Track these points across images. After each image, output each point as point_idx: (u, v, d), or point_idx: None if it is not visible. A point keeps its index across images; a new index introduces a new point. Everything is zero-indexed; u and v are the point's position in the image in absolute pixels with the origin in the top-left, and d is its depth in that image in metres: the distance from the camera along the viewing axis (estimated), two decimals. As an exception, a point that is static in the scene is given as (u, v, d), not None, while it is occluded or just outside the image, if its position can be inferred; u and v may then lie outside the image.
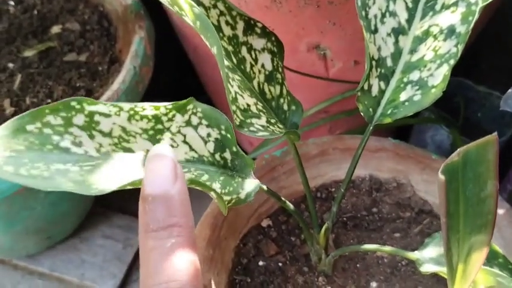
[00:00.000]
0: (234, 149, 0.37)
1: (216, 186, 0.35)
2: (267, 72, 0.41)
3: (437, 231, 0.52)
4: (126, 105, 0.33)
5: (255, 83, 0.41)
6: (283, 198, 0.42)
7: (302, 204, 0.54)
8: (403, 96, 0.38)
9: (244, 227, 0.51)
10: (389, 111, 0.39)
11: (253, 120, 0.39)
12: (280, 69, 0.41)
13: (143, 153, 0.34)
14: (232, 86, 0.38)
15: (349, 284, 0.48)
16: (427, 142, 0.65)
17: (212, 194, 0.32)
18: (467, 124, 0.65)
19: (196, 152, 0.36)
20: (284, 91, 0.42)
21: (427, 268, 0.37)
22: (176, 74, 0.87)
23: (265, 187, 0.40)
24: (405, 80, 0.39)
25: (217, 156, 0.36)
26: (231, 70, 0.39)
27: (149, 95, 0.59)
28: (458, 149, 0.27)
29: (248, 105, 0.39)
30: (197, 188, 0.31)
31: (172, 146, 0.35)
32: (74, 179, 0.29)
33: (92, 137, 0.32)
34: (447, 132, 0.63)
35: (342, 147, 0.53)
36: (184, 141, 0.35)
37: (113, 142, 0.32)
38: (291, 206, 0.43)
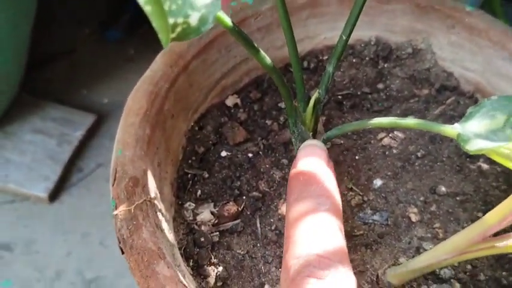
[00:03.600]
0: None
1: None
2: None
3: (465, 114, 0.38)
4: None
5: None
6: (255, 45, 0.27)
7: (285, 76, 0.39)
8: None
9: (201, 104, 0.37)
10: None
11: None
12: None
13: None
14: None
15: (344, 182, 0.35)
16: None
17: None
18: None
19: None
20: None
21: (479, 145, 0.23)
22: None
23: (227, 19, 0.25)
24: None
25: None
26: None
27: None
28: None
29: None
30: None
31: None
32: None
33: None
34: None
35: (341, -5, 0.38)
36: None
37: None
38: (268, 60, 0.28)
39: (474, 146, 0.23)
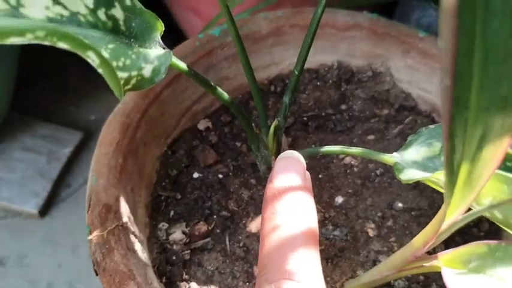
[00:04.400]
0: (128, 1, 0.24)
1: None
2: None
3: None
4: None
5: None
6: (212, 84, 0.29)
7: (251, 101, 0.42)
8: None
9: (173, 130, 0.39)
10: None
11: None
12: None
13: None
14: None
15: (307, 200, 0.37)
16: (411, 26, 0.53)
17: (91, 57, 0.20)
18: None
19: (65, 6, 0.23)
20: None
21: (409, 175, 0.26)
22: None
23: (182, 64, 0.27)
24: None
25: (100, 13, 0.24)
26: None
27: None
28: None
29: None
30: (63, 46, 0.19)
31: None
32: None
33: None
34: (436, 13, 0.50)
35: (303, 23, 0.40)
36: None
37: None
38: (225, 95, 0.30)
39: (405, 176, 0.26)
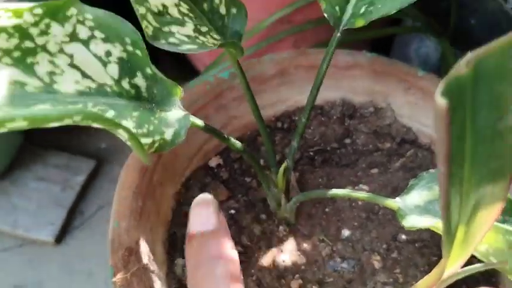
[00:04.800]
0: (149, 70, 0.26)
1: (129, 125, 0.25)
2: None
3: (423, 165, 0.43)
4: None
5: None
6: (225, 135, 0.32)
7: (259, 137, 0.44)
8: (381, -13, 0.27)
9: (186, 169, 0.41)
10: (362, 10, 0.28)
11: (174, 28, 0.28)
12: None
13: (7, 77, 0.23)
14: None
15: (316, 233, 0.39)
16: (410, 57, 0.55)
17: (121, 133, 0.22)
18: (457, 33, 0.55)
19: (92, 79, 0.25)
20: None
21: (411, 222, 0.28)
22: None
23: (199, 122, 0.29)
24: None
25: (124, 83, 0.26)
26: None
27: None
28: (467, 56, 0.17)
29: (164, 6, 0.28)
30: (97, 125, 0.21)
31: (53, 73, 0.24)
32: None
33: None
34: (434, 44, 0.52)
35: (307, 64, 0.43)
36: (72, 65, 0.24)
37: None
38: (238, 144, 0.33)
39: (408, 223, 0.28)
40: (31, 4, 0.23)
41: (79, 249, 0.62)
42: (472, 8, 0.58)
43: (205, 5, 0.30)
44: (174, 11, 0.28)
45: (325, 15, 0.29)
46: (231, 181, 0.42)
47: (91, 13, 0.24)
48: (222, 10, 0.30)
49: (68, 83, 0.24)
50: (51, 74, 0.23)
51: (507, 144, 0.18)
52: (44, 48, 0.23)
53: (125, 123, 0.25)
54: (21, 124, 0.19)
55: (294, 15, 0.49)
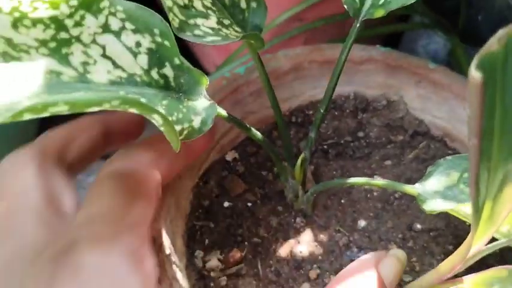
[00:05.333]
0: (177, 61, 0.27)
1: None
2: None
3: (436, 156, 0.43)
4: (6, 2, 0.23)
5: None
6: (247, 125, 0.32)
7: (274, 131, 0.45)
8: (400, -22, 0.28)
9: (204, 163, 0.42)
10: (381, 0, 0.29)
11: (199, 21, 0.28)
12: None
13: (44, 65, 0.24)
14: None
15: (332, 224, 0.40)
16: (419, 53, 0.56)
17: (156, 118, 0.23)
18: (465, 29, 0.55)
19: (123, 69, 0.26)
20: None
21: (433, 206, 0.28)
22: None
23: (224, 112, 0.30)
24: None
25: (154, 73, 0.26)
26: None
27: None
28: (498, 33, 0.17)
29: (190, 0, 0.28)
30: (133, 110, 0.22)
31: (87, 64, 0.25)
32: None
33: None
34: (443, 40, 0.53)
35: (321, 59, 0.43)
36: (104, 55, 0.25)
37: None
38: (259, 135, 0.34)
39: (429, 206, 0.28)
40: (67, -6, 0.23)
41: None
42: (479, 5, 0.59)
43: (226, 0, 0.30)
44: (198, 5, 0.28)
45: (345, 6, 0.30)
46: (248, 174, 0.43)
47: (122, 5, 0.25)
48: (243, 4, 0.31)
49: (101, 73, 0.25)
50: (85, 64, 0.24)
51: None
52: (78, 39, 0.24)
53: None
54: (62, 108, 0.20)
55: (305, 12, 0.49)
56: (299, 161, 0.36)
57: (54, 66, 0.23)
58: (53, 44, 0.24)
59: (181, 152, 0.25)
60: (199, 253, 0.39)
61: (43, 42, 0.23)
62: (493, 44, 0.17)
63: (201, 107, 0.27)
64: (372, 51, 0.43)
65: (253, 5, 0.31)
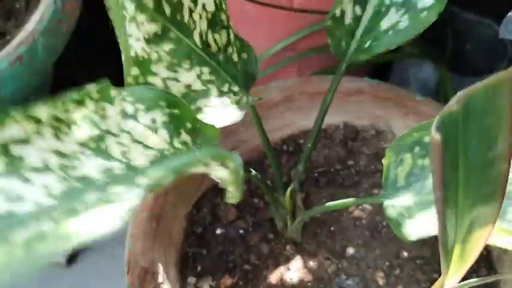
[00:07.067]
0: (189, 125, 0.28)
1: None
2: (209, 16, 0.32)
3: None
4: (41, 113, 0.23)
5: (196, 36, 0.31)
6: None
7: (266, 160, 0.46)
8: (384, 24, 0.30)
9: (197, 191, 0.43)
10: (366, 45, 0.30)
11: (201, 103, 0.30)
12: (223, 7, 0.32)
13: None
14: (156, 75, 0.29)
15: (321, 252, 0.41)
16: (409, 81, 0.57)
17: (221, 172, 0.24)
18: (453, 59, 0.57)
19: (152, 148, 0.26)
20: (231, 36, 0.33)
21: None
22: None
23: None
24: (387, 1, 0.30)
25: (176, 143, 0.28)
26: (158, 38, 0.29)
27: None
28: (457, 95, 0.19)
29: (188, 86, 0.30)
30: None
31: (125, 153, 0.25)
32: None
33: (26, 180, 0.20)
34: (432, 69, 0.54)
35: (311, 91, 0.45)
36: (134, 140, 0.26)
37: (59, 177, 0.21)
38: (253, 174, 0.35)
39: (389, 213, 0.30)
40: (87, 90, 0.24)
41: (90, 269, 0.64)
42: (468, 34, 0.60)
43: (221, 57, 0.32)
44: (197, 85, 0.30)
45: (332, 49, 0.31)
46: (240, 202, 0.44)
47: (126, 90, 0.26)
48: (235, 58, 0.32)
49: (138, 157, 0.25)
50: (124, 153, 0.25)
51: (496, 171, 0.20)
52: (108, 132, 0.24)
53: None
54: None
55: (298, 43, 0.51)
56: (288, 192, 0.38)
57: (103, 165, 0.23)
58: (92, 145, 0.24)
59: None
60: (191, 279, 0.40)
61: (84, 145, 0.23)
62: (453, 104, 0.18)
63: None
64: (361, 83, 0.45)
65: (244, 56, 0.33)
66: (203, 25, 0.31)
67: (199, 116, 0.29)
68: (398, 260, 0.41)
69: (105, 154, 0.23)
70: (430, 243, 0.41)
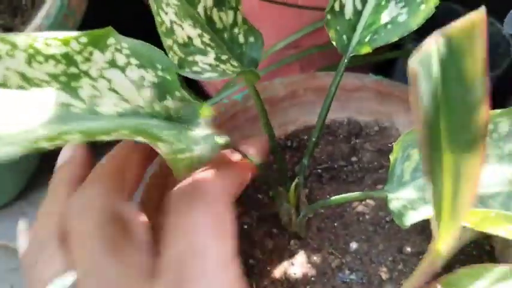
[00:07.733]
0: (178, 93, 0.29)
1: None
2: (215, -7, 0.32)
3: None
4: (22, 40, 0.25)
5: (200, 8, 0.32)
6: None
7: (270, 155, 0.46)
8: (384, 17, 0.30)
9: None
10: (367, 38, 0.30)
11: (198, 58, 0.30)
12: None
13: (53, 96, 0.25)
14: (166, 13, 0.29)
15: (325, 247, 0.41)
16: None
17: (161, 147, 0.25)
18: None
19: (128, 101, 0.27)
20: (239, 18, 0.33)
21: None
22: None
23: (221, 140, 0.32)
24: (388, -5, 0.30)
25: (156, 105, 0.28)
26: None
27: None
28: (437, 32, 0.19)
29: (189, 37, 0.30)
30: (140, 139, 0.23)
31: (95, 97, 0.26)
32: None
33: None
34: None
35: (315, 86, 0.45)
36: (111, 89, 0.27)
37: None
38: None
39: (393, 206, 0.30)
40: (77, 33, 0.25)
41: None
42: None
43: (225, 35, 0.32)
44: (197, 42, 0.30)
45: (334, 43, 0.31)
46: (244, 197, 0.44)
47: (127, 42, 0.27)
48: (241, 39, 0.33)
49: (108, 105, 0.26)
50: (93, 97, 0.26)
51: (477, 116, 0.20)
52: (86, 73, 0.26)
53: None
54: (76, 136, 0.21)
55: (301, 40, 0.51)
56: (292, 186, 0.38)
57: (64, 99, 0.25)
58: (63, 78, 0.25)
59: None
60: None
61: (54, 77, 0.25)
62: (431, 43, 0.18)
63: (201, 136, 0.29)
64: (364, 79, 0.45)
65: (251, 39, 0.33)
66: (208, 1, 0.32)
67: (194, 69, 0.29)
68: (402, 255, 0.41)
69: (72, 92, 0.25)
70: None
